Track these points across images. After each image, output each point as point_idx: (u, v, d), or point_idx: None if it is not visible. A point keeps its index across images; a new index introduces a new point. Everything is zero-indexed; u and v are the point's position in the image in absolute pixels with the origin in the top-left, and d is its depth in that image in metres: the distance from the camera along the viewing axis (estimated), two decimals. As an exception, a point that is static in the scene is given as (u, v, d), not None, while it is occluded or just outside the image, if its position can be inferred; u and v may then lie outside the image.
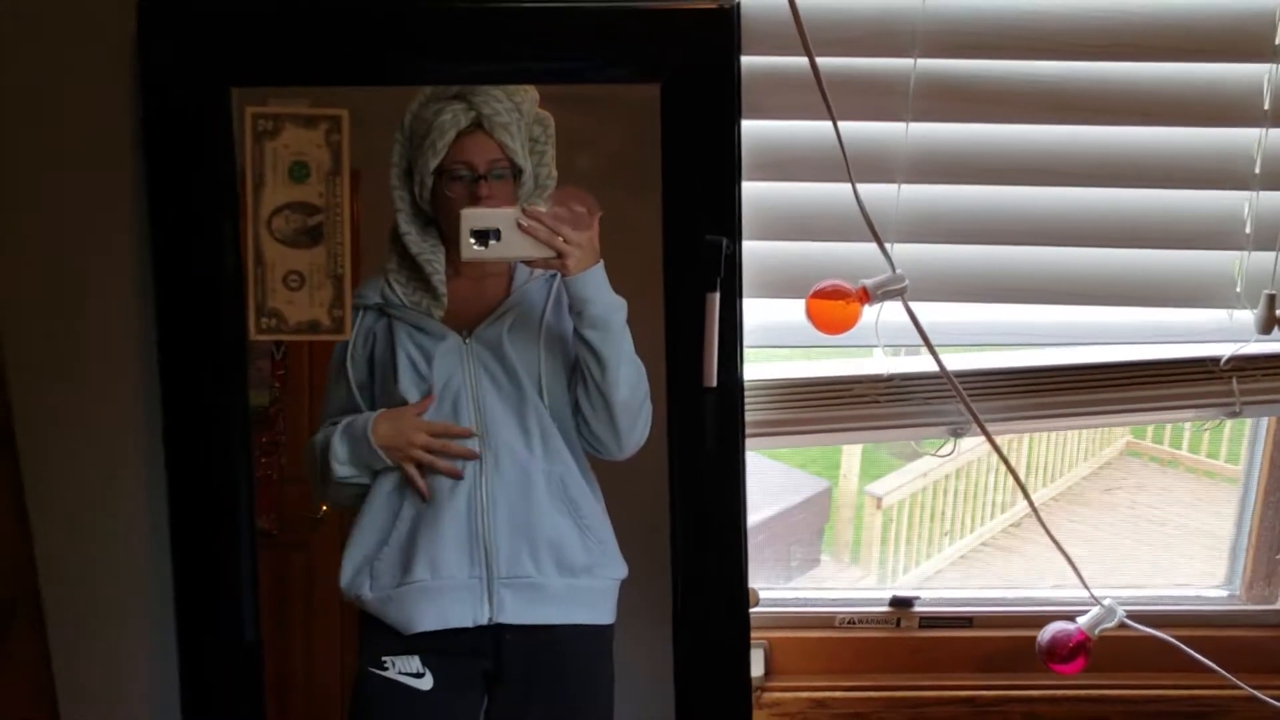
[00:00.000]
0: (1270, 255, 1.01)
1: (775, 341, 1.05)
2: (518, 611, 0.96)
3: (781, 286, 1.02)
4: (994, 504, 2.41)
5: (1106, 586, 1.11)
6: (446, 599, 0.95)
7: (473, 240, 0.91)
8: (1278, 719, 1.14)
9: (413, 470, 0.95)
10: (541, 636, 0.97)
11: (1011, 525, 2.41)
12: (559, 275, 0.94)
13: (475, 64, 0.94)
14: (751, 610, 1.15)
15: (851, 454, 2.26)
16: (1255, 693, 1.12)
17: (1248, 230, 1.01)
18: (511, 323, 0.96)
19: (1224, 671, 1.10)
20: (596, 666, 0.99)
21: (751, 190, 0.97)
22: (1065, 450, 2.51)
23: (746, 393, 0.98)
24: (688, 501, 0.99)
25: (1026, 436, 2.16)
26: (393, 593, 0.95)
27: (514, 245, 0.91)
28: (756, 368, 1.08)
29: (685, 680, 1.01)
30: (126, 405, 1.00)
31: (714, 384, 0.95)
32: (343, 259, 0.96)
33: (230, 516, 0.98)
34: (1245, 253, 1.02)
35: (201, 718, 1.01)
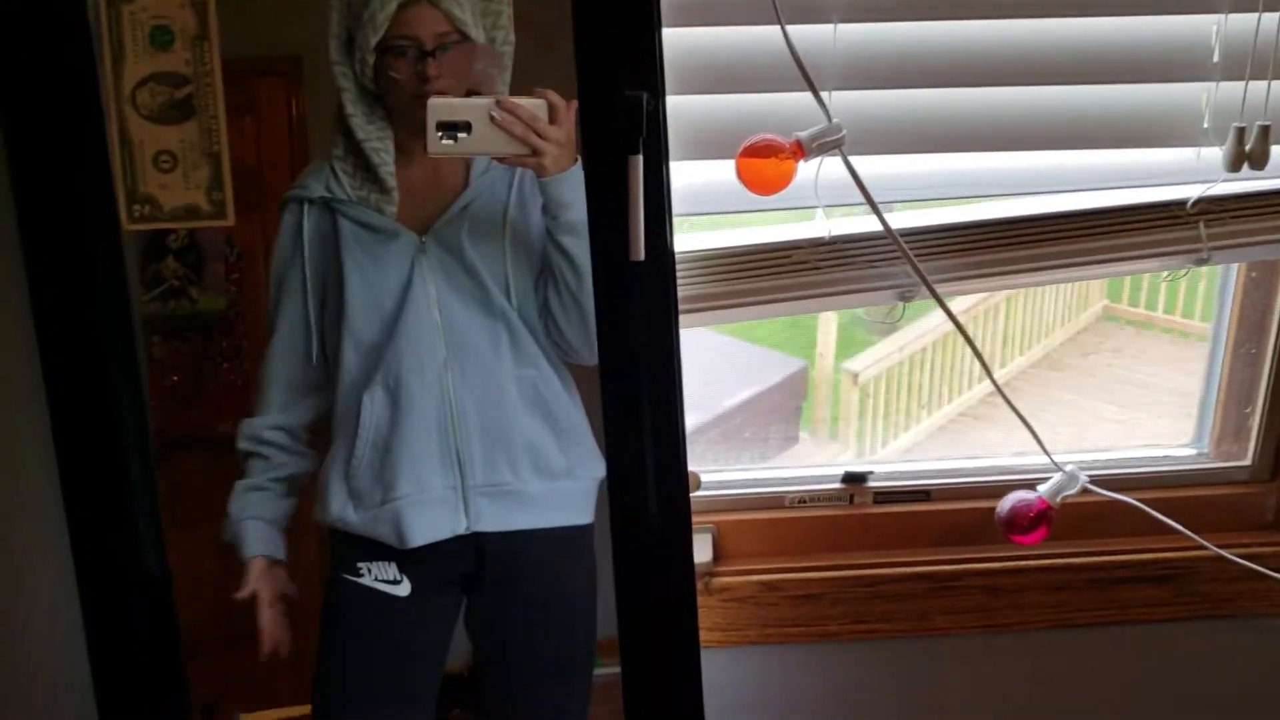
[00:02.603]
0: (1239, 85, 0.94)
1: (706, 208, 0.98)
2: (495, 519, 0.93)
3: (710, 145, 0.95)
4: (971, 374, 2.41)
5: (1074, 451, 1.07)
6: (426, 511, 0.92)
7: (439, 134, 0.84)
8: (1246, 578, 1.12)
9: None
10: (520, 540, 0.94)
11: (990, 394, 2.41)
12: None
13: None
14: (696, 494, 1.10)
15: (828, 332, 2.24)
16: (1222, 552, 1.09)
17: (1215, 59, 0.95)
18: (472, 218, 0.90)
19: (1189, 532, 1.07)
20: (576, 565, 0.97)
21: (673, 38, 0.89)
22: (1042, 316, 2.50)
23: (678, 265, 0.91)
24: (619, 385, 0.93)
25: (1003, 304, 2.14)
26: (379, 511, 0.92)
27: (486, 140, 0.84)
28: (687, 238, 1.01)
29: (625, 571, 0.97)
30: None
31: (641, 257, 0.88)
32: (218, 135, 0.88)
33: (114, 433, 0.91)
34: (1213, 84, 0.95)
35: (110, 662, 0.95)
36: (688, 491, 0.97)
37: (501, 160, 0.88)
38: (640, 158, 0.86)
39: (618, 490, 0.95)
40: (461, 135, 0.84)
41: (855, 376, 2.28)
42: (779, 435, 1.64)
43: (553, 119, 0.85)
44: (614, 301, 0.91)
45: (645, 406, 0.94)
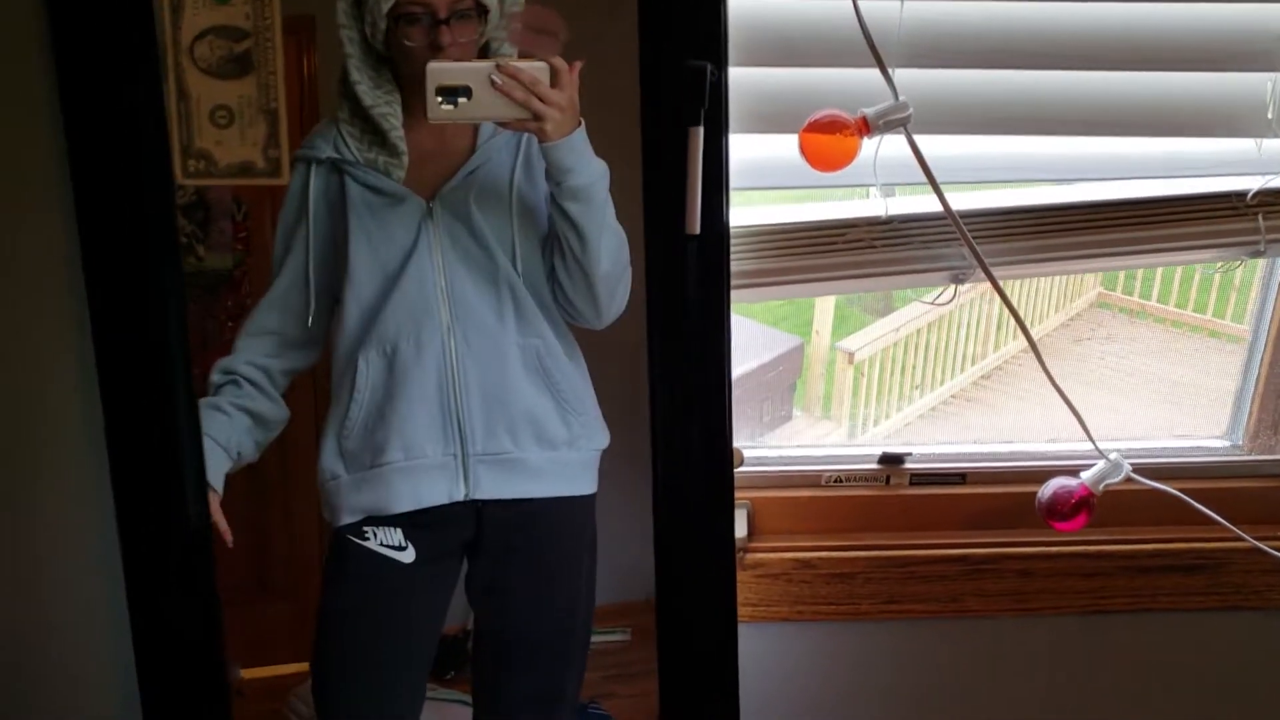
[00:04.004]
0: (1308, 77, 0.93)
1: (765, 182, 0.97)
2: (494, 487, 0.92)
3: (772, 119, 0.94)
4: (966, 356, 2.41)
5: (1116, 439, 1.06)
6: (421, 478, 0.91)
7: (439, 99, 0.82)
8: (1274, 571, 1.12)
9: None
10: (521, 509, 0.93)
11: (983, 377, 2.41)
12: None
13: None
14: (736, 469, 1.10)
15: (824, 310, 2.24)
16: (1259, 544, 1.09)
17: (1285, 48, 0.93)
18: (479, 184, 0.88)
19: (1227, 523, 1.06)
20: (577, 535, 0.96)
21: (739, 9, 0.88)
22: (1036, 302, 2.50)
23: (732, 240, 0.90)
24: (669, 359, 0.92)
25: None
26: (367, 474, 0.91)
27: (486, 105, 0.82)
28: (742, 212, 1.00)
29: (667, 543, 0.97)
30: (45, 264, 0.91)
31: (697, 230, 0.87)
32: (276, 91, 0.86)
33: (165, 384, 0.90)
34: (1279, 75, 0.93)
35: (147, 608, 0.95)
36: (731, 467, 0.97)
37: (503, 125, 0.86)
38: (701, 129, 0.85)
39: (662, 463, 0.95)
40: (462, 100, 0.82)
41: (850, 356, 2.28)
42: (772, 412, 1.64)
43: (555, 83, 0.83)
44: (667, 274, 0.90)
45: (693, 380, 0.93)
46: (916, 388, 2.41)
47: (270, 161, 0.88)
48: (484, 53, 0.86)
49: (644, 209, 0.88)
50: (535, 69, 0.82)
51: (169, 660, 0.96)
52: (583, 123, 0.85)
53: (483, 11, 0.85)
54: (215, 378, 0.91)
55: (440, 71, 0.82)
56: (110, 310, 0.89)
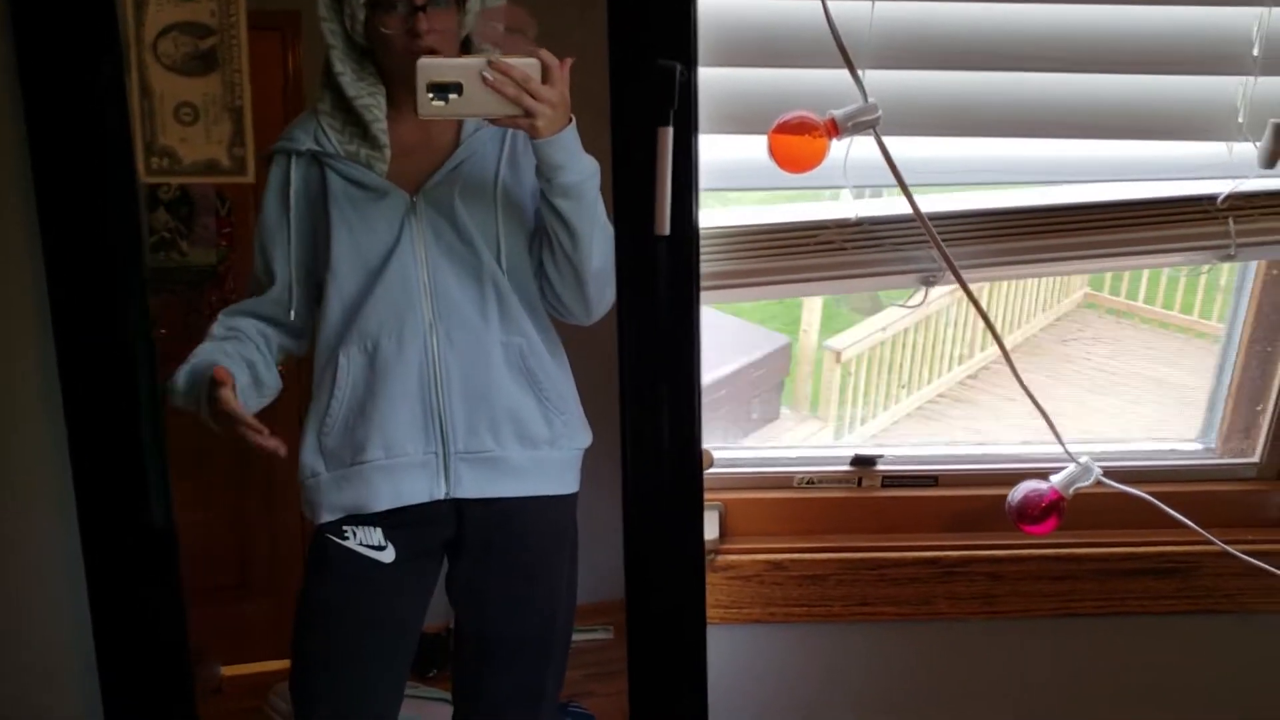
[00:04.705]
0: (1278, 81, 0.93)
1: (735, 183, 0.97)
2: (475, 486, 0.91)
3: (743, 120, 0.93)
4: (951, 357, 2.41)
5: (1086, 442, 1.06)
6: (401, 476, 0.90)
7: (430, 94, 0.81)
8: (1248, 574, 1.12)
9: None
10: (502, 508, 0.93)
11: (969, 377, 2.42)
12: None
13: None
14: (706, 472, 1.10)
15: (812, 309, 2.24)
16: (1228, 548, 1.09)
17: (1255, 53, 0.93)
18: (464, 179, 0.88)
19: (1199, 528, 1.06)
20: (558, 534, 0.96)
21: (708, 8, 0.87)
22: (1023, 302, 2.50)
23: (703, 241, 0.90)
24: (638, 360, 0.92)
25: (985, 287, 2.14)
26: (347, 472, 0.90)
27: (478, 101, 0.82)
28: (712, 213, 0.99)
29: (637, 545, 0.96)
30: (7, 262, 0.91)
31: (667, 231, 0.87)
32: (241, 89, 0.85)
33: (127, 385, 0.89)
34: (1251, 78, 0.94)
35: (111, 613, 0.94)
36: (701, 469, 0.97)
37: (494, 122, 0.85)
38: (670, 130, 0.85)
39: (631, 464, 0.94)
40: (453, 96, 0.82)
41: (838, 354, 2.29)
42: (760, 410, 1.64)
43: (546, 79, 0.82)
44: (636, 275, 0.89)
45: (663, 382, 0.93)
46: (903, 386, 2.42)
47: (235, 159, 0.87)
48: (465, 50, 0.86)
49: (614, 209, 0.88)
50: (527, 65, 0.82)
51: (132, 660, 0.95)
52: (573, 119, 0.84)
53: (461, 0, 0.84)
54: (218, 330, 0.90)
55: (432, 67, 0.81)
56: (73, 308, 0.88)
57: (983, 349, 2.39)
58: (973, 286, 0.97)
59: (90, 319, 0.88)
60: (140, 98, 0.85)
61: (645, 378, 0.92)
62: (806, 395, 2.30)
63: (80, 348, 0.89)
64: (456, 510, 0.92)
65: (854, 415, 2.35)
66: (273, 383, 0.91)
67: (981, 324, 2.32)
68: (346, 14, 0.84)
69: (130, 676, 0.96)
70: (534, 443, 0.92)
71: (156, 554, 0.93)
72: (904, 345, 2.42)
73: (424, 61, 0.81)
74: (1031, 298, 2.47)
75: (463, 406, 0.90)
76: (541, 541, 0.96)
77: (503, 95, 0.82)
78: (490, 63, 0.81)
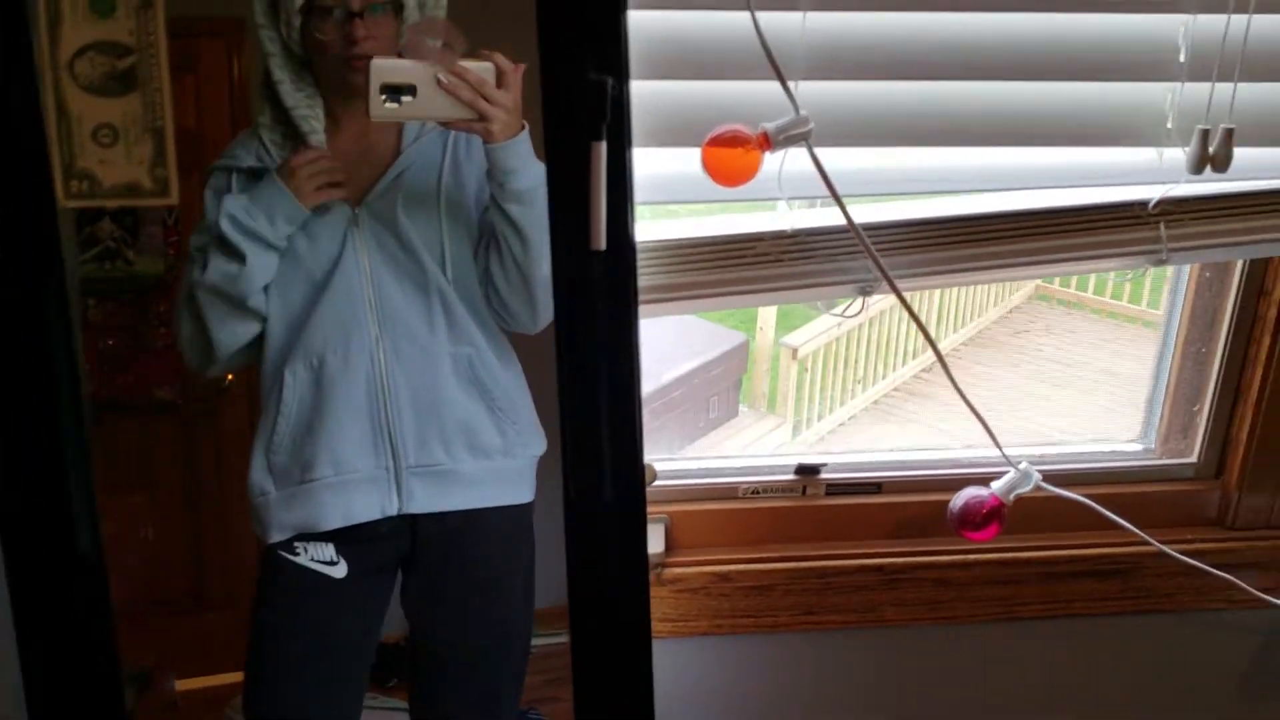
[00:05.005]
0: (1206, 86, 0.94)
1: (672, 196, 0.96)
2: (428, 500, 0.90)
3: (674, 133, 0.92)
4: (906, 351, 2.43)
5: (1027, 445, 1.07)
6: (351, 493, 0.89)
7: (383, 97, 0.80)
8: (1188, 573, 1.13)
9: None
10: (456, 521, 0.92)
11: (923, 370, 2.44)
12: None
13: None
14: (651, 486, 1.09)
15: (768, 307, 2.24)
16: (1164, 548, 1.10)
17: (1181, 59, 0.94)
18: (407, 188, 0.86)
19: (1136, 529, 1.07)
20: (513, 544, 0.95)
21: (639, 21, 0.86)
22: (975, 296, 2.53)
23: (639, 255, 0.88)
24: (576, 377, 0.91)
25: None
26: (296, 490, 0.89)
27: (431, 104, 0.81)
28: (649, 227, 0.98)
29: (579, 563, 0.95)
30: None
31: (603, 246, 0.86)
32: (161, 109, 0.83)
33: (51, 408, 0.87)
34: (1178, 84, 0.94)
35: (37, 646, 0.91)
36: (644, 485, 0.96)
37: (448, 125, 0.85)
38: (604, 144, 0.84)
39: (572, 480, 0.93)
40: (406, 99, 0.80)
41: (794, 351, 2.30)
42: (719, 408, 1.64)
43: (500, 83, 0.82)
44: (573, 291, 0.88)
45: (602, 398, 0.92)
46: (859, 382, 2.43)
47: (158, 181, 0.85)
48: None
49: (550, 224, 0.86)
50: (482, 69, 0.81)
51: (61, 687, 0.93)
52: (526, 125, 0.84)
53: (399, 8, 0.83)
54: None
55: (385, 68, 0.80)
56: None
57: (938, 341, 2.41)
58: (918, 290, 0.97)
59: (11, 344, 0.86)
60: (57, 120, 0.83)
61: (584, 395, 0.91)
62: (764, 393, 2.31)
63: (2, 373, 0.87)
64: (410, 525, 0.90)
65: (811, 412, 2.36)
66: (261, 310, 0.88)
67: (936, 318, 2.33)
68: (283, 21, 0.82)
69: (59, 703, 0.93)
70: (486, 453, 0.91)
71: (84, 577, 0.90)
72: (859, 341, 2.43)
73: (377, 62, 0.80)
74: (983, 292, 2.49)
75: (412, 420, 0.89)
76: (497, 552, 0.94)
77: (457, 99, 0.81)
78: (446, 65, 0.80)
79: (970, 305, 2.51)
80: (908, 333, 2.43)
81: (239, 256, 0.85)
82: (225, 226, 0.85)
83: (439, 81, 0.80)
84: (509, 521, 0.94)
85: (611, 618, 0.96)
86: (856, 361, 2.43)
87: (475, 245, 0.88)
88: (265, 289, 0.87)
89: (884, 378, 2.46)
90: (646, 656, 0.98)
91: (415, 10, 0.83)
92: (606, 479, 0.94)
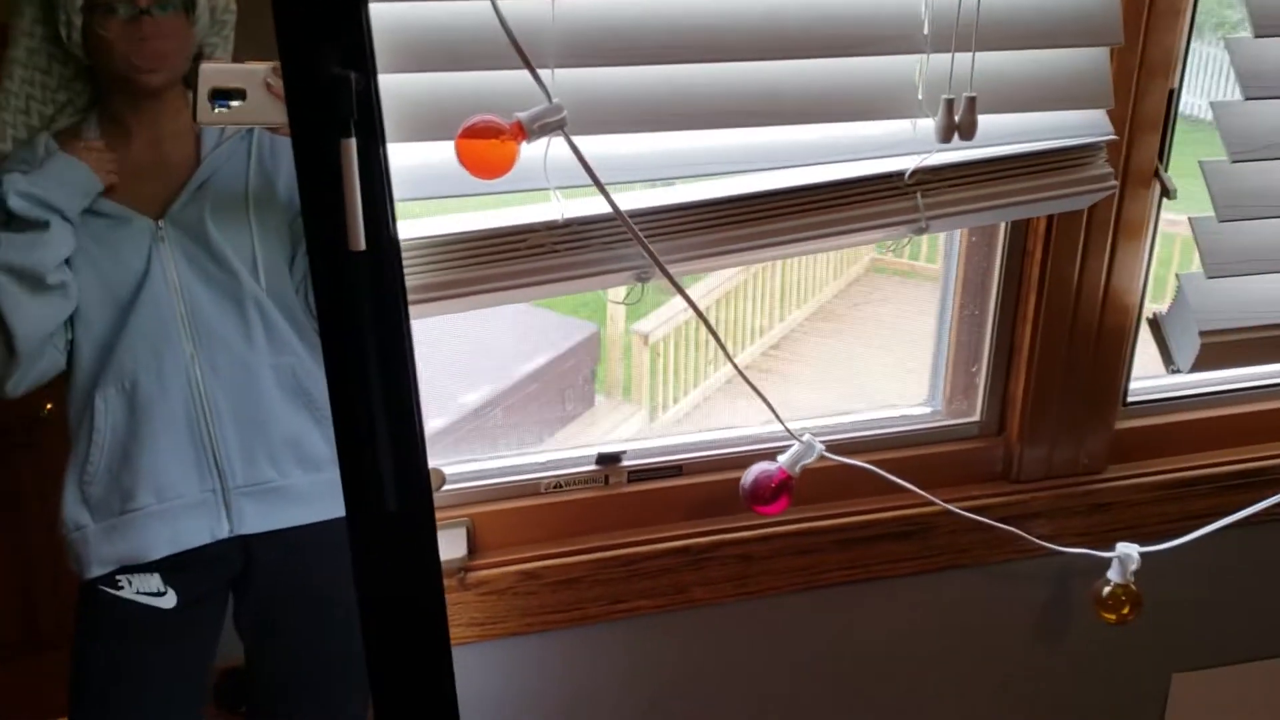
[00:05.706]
0: (947, 58, 0.96)
1: (433, 192, 0.93)
2: (260, 519, 0.88)
3: (432, 127, 0.90)
4: (753, 329, 2.47)
5: (814, 417, 1.08)
6: (178, 519, 0.86)
7: (212, 101, 0.78)
8: (977, 529, 1.17)
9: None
10: (289, 538, 0.90)
11: (771, 348, 2.49)
12: (256, 132, 0.83)
13: None
14: (447, 489, 1.07)
15: (617, 294, 2.24)
16: (949, 506, 1.14)
17: (925, 31, 0.96)
18: (213, 197, 0.83)
19: (917, 489, 1.11)
20: (348, 558, 0.90)
21: (382, 12, 0.84)
22: (815, 271, 2.59)
23: (405, 254, 0.87)
24: (347, 384, 0.87)
25: (780, 261, 2.19)
26: (117, 521, 0.85)
27: (260, 109, 0.79)
28: (413, 224, 0.96)
29: (368, 574, 0.92)
30: None
31: (362, 246, 0.83)
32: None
33: None
34: (924, 55, 0.97)
35: None
36: (430, 491, 0.93)
37: (278, 131, 0.83)
38: (353, 141, 0.81)
39: (353, 494, 0.90)
40: (235, 103, 0.79)
41: (645, 337, 2.31)
42: (574, 400, 1.63)
43: None
44: (335, 294, 0.85)
45: (376, 404, 0.89)
46: (710, 363, 2.45)
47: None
48: (196, 63, 0.81)
49: (305, 226, 0.83)
50: None
51: None
52: None
53: (190, 6, 0.80)
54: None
55: (214, 73, 0.78)
56: None
57: (781, 319, 2.45)
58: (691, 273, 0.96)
59: None
60: None
61: (357, 402, 0.88)
62: (619, 381, 2.31)
63: None
64: (243, 546, 0.88)
65: (667, 396, 2.37)
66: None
67: (779, 296, 2.36)
68: (62, 21, 0.78)
69: None
70: (316, 465, 0.89)
71: None
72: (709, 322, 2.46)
73: (206, 66, 0.78)
74: (823, 266, 2.56)
75: (237, 438, 0.86)
76: (334, 567, 0.90)
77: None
78: (275, 69, 0.78)
79: (812, 281, 2.57)
80: (754, 310, 2.47)
81: (36, 225, 0.80)
82: (15, 201, 0.79)
83: (268, 85, 0.79)
84: (343, 533, 0.88)
85: (406, 628, 0.94)
86: (707, 343, 2.46)
87: (289, 251, 0.85)
88: (67, 262, 0.82)
89: (736, 356, 2.50)
90: (447, 663, 0.95)
91: (206, 12, 0.81)
92: (388, 487, 0.91)
